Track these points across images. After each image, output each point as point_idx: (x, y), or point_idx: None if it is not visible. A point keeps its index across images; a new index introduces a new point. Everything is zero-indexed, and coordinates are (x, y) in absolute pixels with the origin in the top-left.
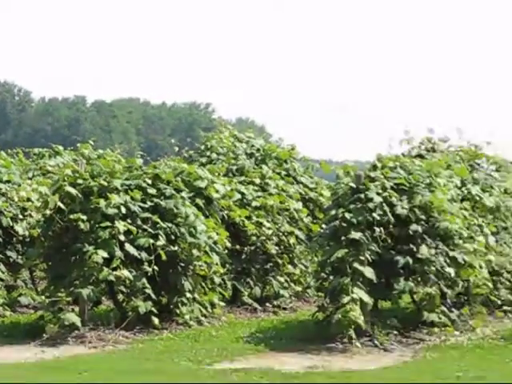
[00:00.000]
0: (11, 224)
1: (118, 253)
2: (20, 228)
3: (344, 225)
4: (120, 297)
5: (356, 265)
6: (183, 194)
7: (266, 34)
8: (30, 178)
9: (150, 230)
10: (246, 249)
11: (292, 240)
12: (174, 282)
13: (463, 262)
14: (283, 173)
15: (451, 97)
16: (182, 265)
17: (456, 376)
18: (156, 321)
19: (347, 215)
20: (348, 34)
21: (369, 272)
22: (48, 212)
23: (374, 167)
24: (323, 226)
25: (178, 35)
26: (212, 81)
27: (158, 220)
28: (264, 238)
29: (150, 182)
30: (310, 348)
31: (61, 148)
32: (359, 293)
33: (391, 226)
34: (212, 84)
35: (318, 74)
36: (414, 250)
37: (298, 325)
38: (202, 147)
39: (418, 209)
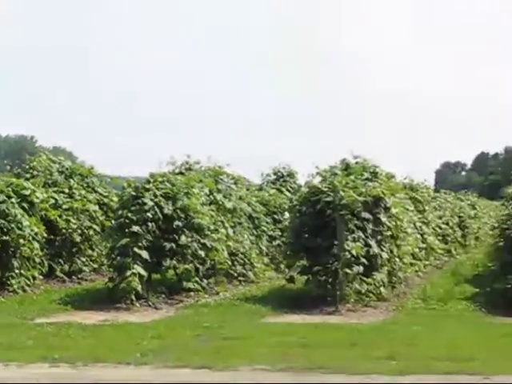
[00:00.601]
0: None
1: None
2: None
3: (127, 221)
4: None
5: (136, 249)
6: (13, 199)
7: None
8: None
9: None
10: (58, 238)
11: (91, 232)
12: (6, 261)
13: (211, 247)
14: (85, 185)
15: None
16: (12, 249)
17: (204, 325)
18: None
19: (129, 214)
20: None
21: (145, 254)
22: None
23: (148, 181)
24: (113, 221)
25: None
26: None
27: None
28: (71, 230)
29: None
30: (103, 307)
31: None
32: (138, 268)
33: (160, 222)
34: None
35: None
36: (177, 238)
37: (95, 291)
38: (27, 166)
39: (179, 210)
